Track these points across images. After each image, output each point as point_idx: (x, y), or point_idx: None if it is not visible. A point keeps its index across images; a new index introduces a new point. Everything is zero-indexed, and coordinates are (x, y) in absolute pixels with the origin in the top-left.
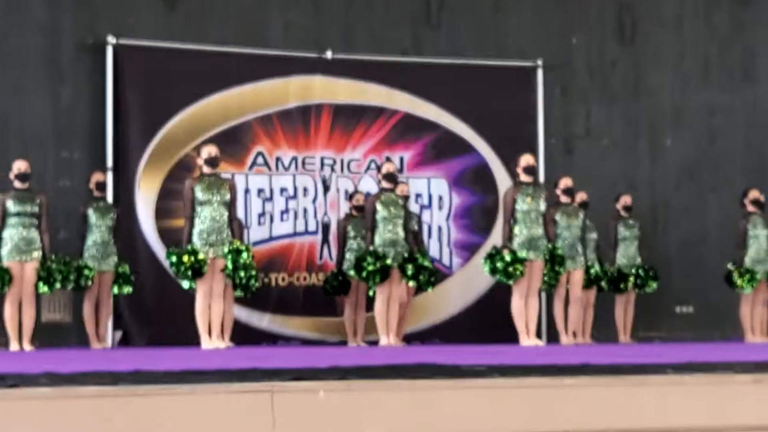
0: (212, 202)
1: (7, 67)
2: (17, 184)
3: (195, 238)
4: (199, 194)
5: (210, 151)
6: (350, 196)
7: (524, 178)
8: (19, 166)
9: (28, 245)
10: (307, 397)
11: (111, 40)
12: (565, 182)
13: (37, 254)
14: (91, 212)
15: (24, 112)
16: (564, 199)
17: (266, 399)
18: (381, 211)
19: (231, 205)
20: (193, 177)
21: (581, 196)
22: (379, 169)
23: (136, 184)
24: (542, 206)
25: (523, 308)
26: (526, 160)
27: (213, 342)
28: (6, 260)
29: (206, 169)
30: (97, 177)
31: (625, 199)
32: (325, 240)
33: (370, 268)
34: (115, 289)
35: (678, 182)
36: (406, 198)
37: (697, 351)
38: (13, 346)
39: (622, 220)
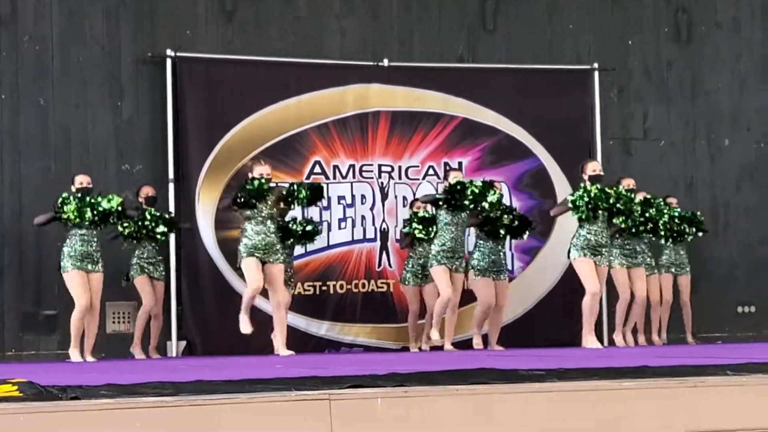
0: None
1: (68, 82)
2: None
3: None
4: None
5: (262, 171)
6: (411, 203)
7: (589, 186)
8: (81, 180)
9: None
10: (365, 403)
11: (170, 53)
12: (627, 183)
13: (100, 266)
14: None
15: (85, 126)
16: None
17: (324, 407)
18: (445, 216)
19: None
20: None
21: (641, 195)
22: (446, 176)
23: (197, 196)
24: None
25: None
26: (593, 167)
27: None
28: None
29: None
30: (146, 191)
31: (670, 201)
32: (384, 247)
33: None
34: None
35: (738, 183)
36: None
37: (756, 351)
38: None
39: None
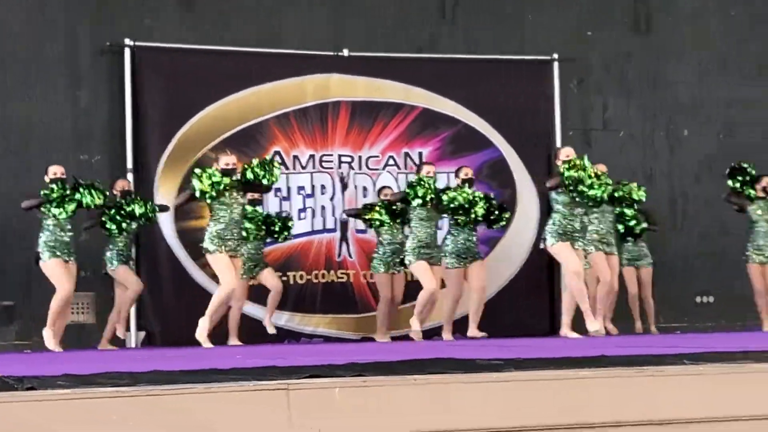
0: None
1: (26, 72)
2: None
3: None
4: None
5: (228, 161)
6: (379, 191)
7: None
8: (55, 170)
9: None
10: (323, 393)
11: (128, 42)
12: (599, 168)
13: (74, 256)
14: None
15: (43, 116)
16: None
17: (282, 396)
18: (420, 212)
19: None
20: None
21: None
22: (418, 170)
23: (156, 186)
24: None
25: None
26: (566, 152)
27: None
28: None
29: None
30: (122, 184)
31: None
32: (344, 237)
33: None
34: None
35: (697, 174)
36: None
37: (714, 341)
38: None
39: None
